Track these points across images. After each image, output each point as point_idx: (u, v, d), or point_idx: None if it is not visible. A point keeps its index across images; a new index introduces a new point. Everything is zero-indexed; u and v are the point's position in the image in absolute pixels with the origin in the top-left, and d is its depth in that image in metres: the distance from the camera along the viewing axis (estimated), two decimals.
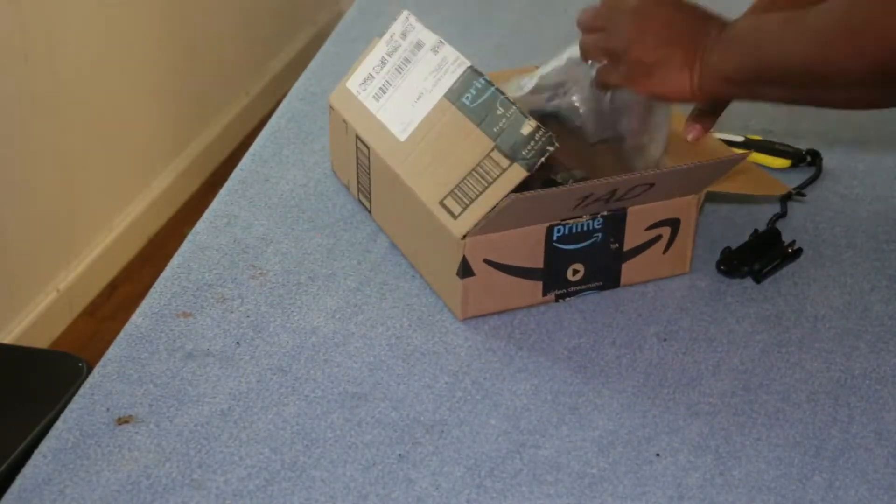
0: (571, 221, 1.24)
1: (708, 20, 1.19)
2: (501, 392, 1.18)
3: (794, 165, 1.49)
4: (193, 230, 1.41)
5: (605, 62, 1.24)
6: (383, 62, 1.38)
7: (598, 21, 1.24)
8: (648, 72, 1.20)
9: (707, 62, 1.17)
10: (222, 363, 1.20)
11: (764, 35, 1.15)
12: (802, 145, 1.53)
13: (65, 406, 1.17)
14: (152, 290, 1.32)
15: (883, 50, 1.04)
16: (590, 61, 1.26)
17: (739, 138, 1.52)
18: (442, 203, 1.23)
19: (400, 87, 1.35)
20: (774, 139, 1.54)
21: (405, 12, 1.41)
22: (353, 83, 1.41)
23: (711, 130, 1.29)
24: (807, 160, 1.50)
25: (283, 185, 1.49)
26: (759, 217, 1.40)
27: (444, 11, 1.90)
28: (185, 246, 1.39)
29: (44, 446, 1.13)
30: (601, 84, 1.26)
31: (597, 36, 1.24)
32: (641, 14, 1.21)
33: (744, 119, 1.57)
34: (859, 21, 1.06)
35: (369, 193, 1.40)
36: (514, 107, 1.21)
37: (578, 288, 1.28)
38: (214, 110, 3.23)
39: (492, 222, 1.19)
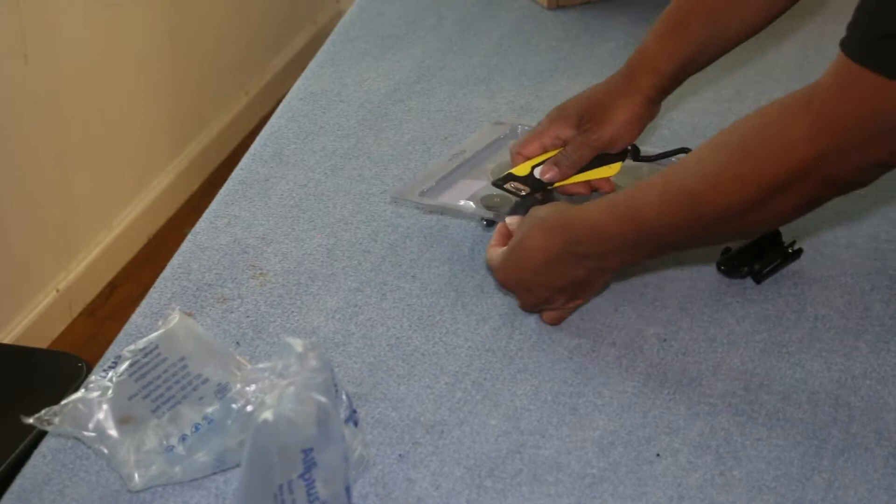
0: None
1: (567, 244, 1.19)
2: (501, 392, 1.18)
3: None
4: (193, 230, 1.41)
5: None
6: None
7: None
8: (576, 293, 1.23)
9: (600, 264, 1.20)
10: None
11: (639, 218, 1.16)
12: None
13: None
14: (152, 290, 1.32)
15: (764, 175, 1.05)
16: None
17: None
18: None
19: None
20: None
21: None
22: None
23: None
24: None
25: (283, 185, 1.49)
26: None
27: (445, 11, 1.90)
28: (185, 246, 1.39)
29: (44, 446, 1.13)
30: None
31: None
32: (519, 280, 1.24)
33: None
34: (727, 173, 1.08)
35: None
36: None
37: None
38: (214, 110, 3.22)
39: None
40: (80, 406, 1.08)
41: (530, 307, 1.26)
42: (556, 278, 1.21)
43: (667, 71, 1.32)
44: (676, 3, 1.33)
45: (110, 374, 1.10)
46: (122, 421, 1.08)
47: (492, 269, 1.27)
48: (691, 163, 1.12)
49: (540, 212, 1.22)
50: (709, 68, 1.36)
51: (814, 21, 1.83)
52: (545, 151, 1.37)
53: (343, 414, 1.03)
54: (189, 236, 1.40)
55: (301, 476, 0.98)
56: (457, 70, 1.75)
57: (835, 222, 1.40)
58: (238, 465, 1.03)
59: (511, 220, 1.28)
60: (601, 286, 1.23)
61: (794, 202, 1.07)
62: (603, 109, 1.33)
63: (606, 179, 1.35)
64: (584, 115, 1.34)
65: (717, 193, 1.08)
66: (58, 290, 2.64)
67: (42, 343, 2.58)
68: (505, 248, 1.25)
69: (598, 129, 1.33)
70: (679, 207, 1.11)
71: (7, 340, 2.48)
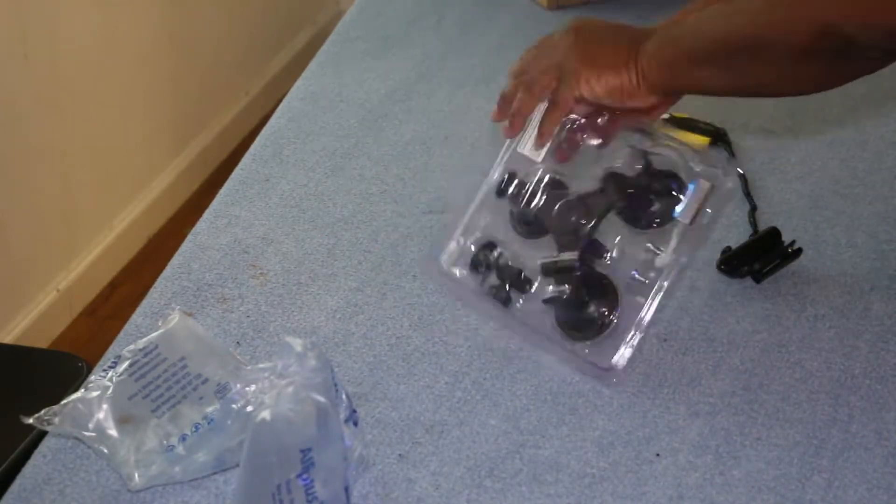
0: None
1: (639, 28, 1.22)
2: (501, 392, 1.18)
3: (712, 143, 1.49)
4: (194, 230, 1.41)
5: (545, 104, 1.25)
6: None
7: (532, 59, 1.26)
8: (591, 75, 1.20)
9: (645, 53, 1.18)
10: None
11: (701, 17, 1.18)
12: (800, 146, 1.53)
13: None
14: (152, 289, 1.32)
15: (827, 11, 1.04)
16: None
17: (664, 115, 1.53)
18: None
19: None
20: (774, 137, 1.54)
21: None
22: None
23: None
24: (724, 138, 1.50)
25: (283, 185, 1.49)
26: (759, 217, 1.40)
27: (445, 11, 1.90)
28: (186, 246, 1.39)
29: (44, 446, 1.13)
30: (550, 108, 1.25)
31: (536, 64, 1.25)
32: (573, 33, 1.24)
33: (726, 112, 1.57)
34: None
35: None
36: None
37: None
38: (214, 110, 3.22)
39: None
40: (80, 406, 1.08)
41: (532, 81, 1.24)
42: (581, 35, 1.22)
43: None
44: None
45: (110, 373, 1.10)
46: (122, 421, 1.08)
47: None
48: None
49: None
50: None
51: None
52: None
53: (343, 414, 1.03)
54: (189, 236, 1.40)
55: (299, 476, 0.98)
56: (457, 70, 1.74)
57: (835, 222, 1.40)
58: (238, 465, 1.03)
59: None
60: (613, 71, 1.20)
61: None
62: None
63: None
64: None
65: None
66: (58, 290, 2.65)
67: (42, 343, 2.58)
68: None
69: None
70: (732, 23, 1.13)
71: (7, 340, 2.48)
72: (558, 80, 1.22)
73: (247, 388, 1.05)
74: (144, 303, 1.30)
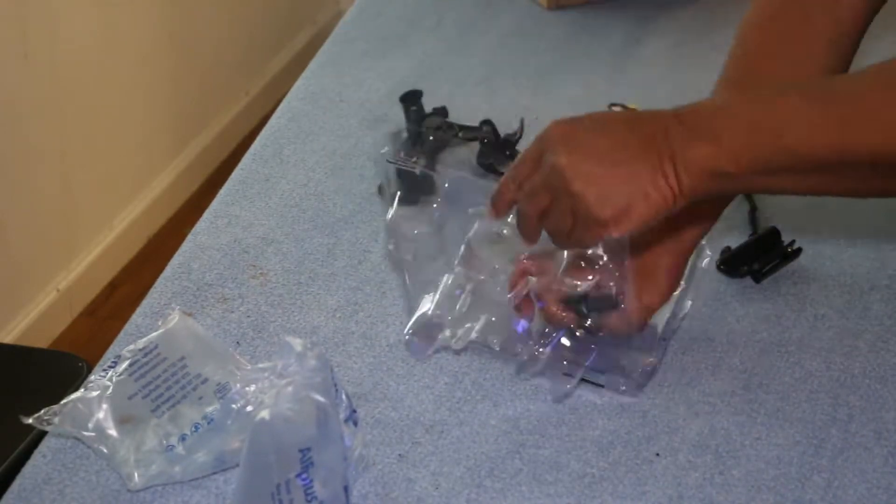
0: None
1: (655, 115, 0.98)
2: (501, 392, 1.18)
3: None
4: (194, 230, 1.41)
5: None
6: None
7: (529, 191, 1.03)
8: (616, 214, 0.98)
9: (688, 160, 0.96)
10: None
11: (780, 117, 0.94)
12: None
13: None
14: (152, 289, 1.32)
15: None
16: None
17: None
18: None
19: None
20: None
21: None
22: None
23: None
24: None
25: (283, 185, 1.49)
26: (759, 217, 1.40)
27: (445, 11, 1.90)
28: (186, 246, 1.39)
29: (44, 446, 1.13)
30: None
31: (532, 210, 1.03)
32: (563, 152, 0.98)
33: None
34: None
35: None
36: None
37: None
38: (214, 110, 3.23)
39: None
40: (80, 406, 1.08)
41: (533, 231, 1.04)
42: (620, 132, 0.96)
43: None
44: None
45: (110, 373, 1.10)
46: (122, 420, 1.08)
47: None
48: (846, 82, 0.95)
49: None
50: None
51: None
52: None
53: (343, 414, 1.03)
54: (189, 236, 1.40)
55: (298, 475, 0.98)
56: (457, 70, 1.75)
57: (835, 222, 1.40)
58: (238, 465, 1.03)
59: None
60: (643, 193, 0.96)
61: None
62: None
63: None
64: None
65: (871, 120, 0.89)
66: (58, 290, 2.65)
67: (42, 343, 2.58)
68: None
69: None
70: (820, 106, 0.92)
71: (7, 340, 2.48)
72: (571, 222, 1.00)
73: (247, 388, 1.06)
74: (144, 303, 1.30)
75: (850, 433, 1.13)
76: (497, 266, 1.18)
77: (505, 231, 1.14)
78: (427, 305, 1.19)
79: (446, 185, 1.18)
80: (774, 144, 0.94)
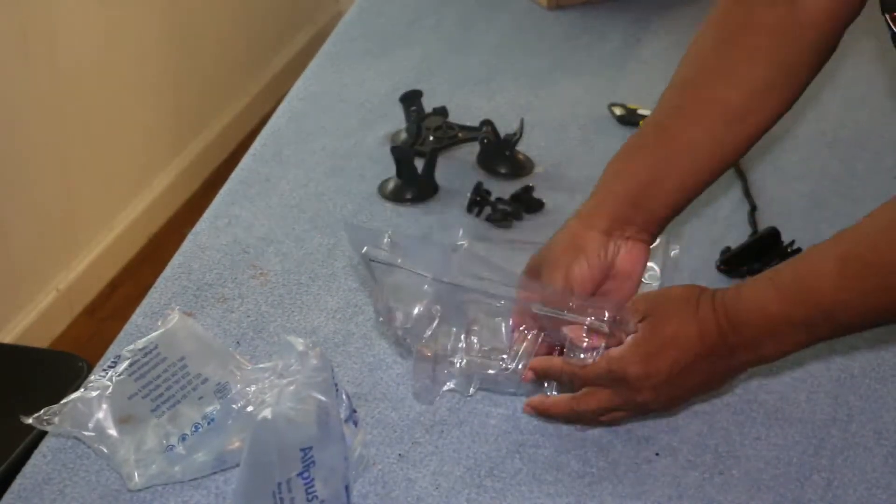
0: None
1: (726, 354, 1.04)
2: (501, 392, 1.18)
3: None
4: (194, 230, 1.42)
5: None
6: None
7: (598, 407, 1.08)
8: (706, 392, 1.10)
9: (756, 355, 1.05)
10: None
11: (843, 299, 1.01)
12: (800, 146, 1.53)
13: None
14: (152, 289, 1.32)
15: None
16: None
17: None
18: None
19: None
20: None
21: None
22: None
23: None
24: None
25: (283, 185, 1.49)
26: (759, 217, 1.40)
27: (445, 11, 1.90)
28: (186, 246, 1.39)
29: (44, 446, 1.13)
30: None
31: (594, 414, 1.09)
32: (649, 391, 1.05)
33: None
34: None
35: None
36: None
37: None
38: (214, 110, 3.22)
39: None
40: (80, 405, 1.08)
41: (667, 408, 1.10)
42: (700, 375, 1.04)
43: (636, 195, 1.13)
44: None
45: (110, 373, 1.10)
46: (122, 420, 1.08)
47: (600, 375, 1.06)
48: (871, 230, 1.01)
49: (675, 293, 1.07)
50: None
51: None
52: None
53: (343, 413, 1.04)
54: (189, 236, 1.40)
55: (300, 474, 0.98)
56: (457, 70, 1.75)
57: (834, 222, 1.40)
58: (238, 465, 1.03)
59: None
60: (730, 384, 1.10)
61: None
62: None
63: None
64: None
65: None
66: (58, 290, 2.65)
67: (42, 343, 2.58)
68: (629, 344, 1.05)
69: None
70: (865, 282, 0.98)
71: (7, 340, 2.48)
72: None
73: (247, 389, 1.06)
74: (144, 303, 1.30)
75: (849, 433, 1.13)
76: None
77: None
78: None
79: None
80: (831, 331, 1.03)
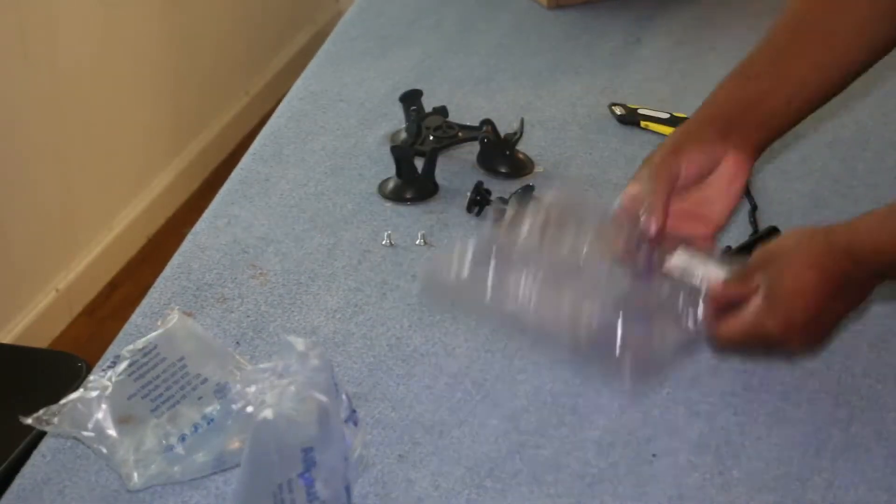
0: None
1: (858, 282, 1.09)
2: (501, 392, 1.18)
3: None
4: (193, 230, 1.41)
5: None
6: None
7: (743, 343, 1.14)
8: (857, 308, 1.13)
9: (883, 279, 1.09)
10: None
11: None
12: (800, 146, 1.53)
13: None
14: (152, 289, 1.32)
15: None
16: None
17: (665, 115, 1.53)
18: None
19: None
20: None
21: None
22: None
23: None
24: None
25: (283, 185, 1.49)
26: (759, 217, 1.40)
27: (445, 11, 1.90)
28: (185, 246, 1.39)
29: (43, 446, 1.13)
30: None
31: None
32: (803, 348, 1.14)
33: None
34: None
35: None
36: None
37: None
38: (214, 110, 3.22)
39: None
40: (80, 406, 1.08)
41: (816, 349, 1.17)
42: (841, 309, 1.10)
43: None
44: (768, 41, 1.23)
45: (109, 373, 1.10)
46: (122, 421, 1.08)
47: (747, 341, 1.12)
48: None
49: (789, 242, 1.11)
50: None
51: None
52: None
53: (343, 414, 1.03)
54: (189, 236, 1.40)
55: (300, 475, 0.98)
56: (457, 70, 1.74)
57: (835, 222, 1.40)
58: (238, 465, 1.03)
59: (715, 277, 1.13)
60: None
61: None
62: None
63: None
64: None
65: None
66: (58, 290, 2.65)
67: (42, 343, 2.58)
68: (754, 308, 1.09)
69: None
70: None
71: (7, 340, 2.48)
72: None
73: (247, 389, 1.05)
74: (144, 303, 1.30)
75: (850, 434, 1.13)
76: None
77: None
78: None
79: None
80: None
